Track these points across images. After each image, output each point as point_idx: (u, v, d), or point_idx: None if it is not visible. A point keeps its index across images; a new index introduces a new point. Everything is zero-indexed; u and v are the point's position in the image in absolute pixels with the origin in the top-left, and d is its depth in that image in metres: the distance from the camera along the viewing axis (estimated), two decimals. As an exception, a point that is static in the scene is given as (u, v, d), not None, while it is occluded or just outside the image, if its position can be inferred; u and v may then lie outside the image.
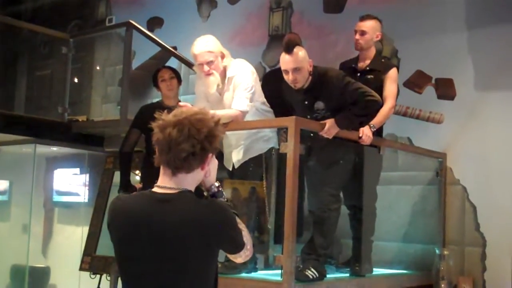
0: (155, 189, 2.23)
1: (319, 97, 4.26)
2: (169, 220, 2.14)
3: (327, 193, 4.21)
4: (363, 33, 4.64)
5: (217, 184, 2.36)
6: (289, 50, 4.12)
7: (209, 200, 2.30)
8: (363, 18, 4.69)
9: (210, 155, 2.23)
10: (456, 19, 5.25)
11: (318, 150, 4.30)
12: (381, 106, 4.35)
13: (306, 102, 4.31)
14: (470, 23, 5.19)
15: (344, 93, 4.18)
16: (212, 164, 2.30)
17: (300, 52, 4.13)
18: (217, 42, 4.33)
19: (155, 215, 2.16)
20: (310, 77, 4.22)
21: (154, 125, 2.20)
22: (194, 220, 2.14)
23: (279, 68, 4.32)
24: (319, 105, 4.26)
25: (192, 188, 2.25)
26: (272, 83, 4.63)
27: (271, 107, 4.51)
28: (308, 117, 4.25)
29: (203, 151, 2.18)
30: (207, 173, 2.30)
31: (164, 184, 2.21)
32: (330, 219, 4.20)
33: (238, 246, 2.27)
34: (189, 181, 2.22)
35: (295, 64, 4.11)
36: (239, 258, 2.33)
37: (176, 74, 5.13)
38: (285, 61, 4.15)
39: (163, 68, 5.17)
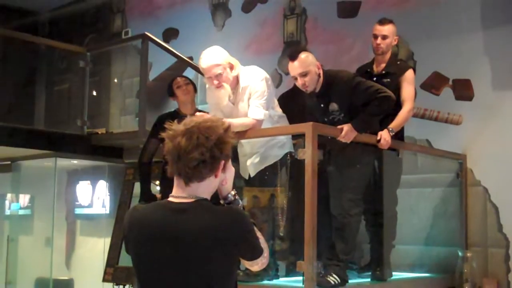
0: (170, 199, 2.21)
1: (331, 98, 4.26)
2: (187, 230, 2.12)
3: (346, 198, 4.19)
4: (384, 37, 4.63)
5: (233, 192, 2.33)
6: (292, 57, 4.20)
7: (227, 207, 2.28)
8: (382, 22, 4.66)
9: (222, 162, 2.21)
10: (472, 19, 5.23)
11: (337, 154, 4.29)
12: (395, 101, 4.30)
13: (321, 105, 4.31)
14: (486, 23, 5.16)
15: (355, 92, 4.17)
16: (229, 172, 2.28)
17: (304, 56, 4.17)
18: (223, 53, 4.24)
19: (172, 225, 2.14)
20: (321, 80, 4.24)
21: (164, 135, 2.18)
22: (213, 228, 2.12)
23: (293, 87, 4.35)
24: (333, 106, 4.26)
25: (208, 197, 2.22)
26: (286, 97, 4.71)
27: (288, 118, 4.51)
28: (326, 119, 4.27)
29: (213, 159, 2.15)
30: (224, 181, 2.28)
31: (179, 194, 2.20)
32: (350, 224, 4.18)
33: (257, 253, 2.24)
34: (203, 190, 2.20)
35: (301, 68, 4.17)
36: (256, 266, 2.30)
37: (191, 81, 5.12)
38: (292, 68, 4.22)
39: (177, 77, 5.14)
